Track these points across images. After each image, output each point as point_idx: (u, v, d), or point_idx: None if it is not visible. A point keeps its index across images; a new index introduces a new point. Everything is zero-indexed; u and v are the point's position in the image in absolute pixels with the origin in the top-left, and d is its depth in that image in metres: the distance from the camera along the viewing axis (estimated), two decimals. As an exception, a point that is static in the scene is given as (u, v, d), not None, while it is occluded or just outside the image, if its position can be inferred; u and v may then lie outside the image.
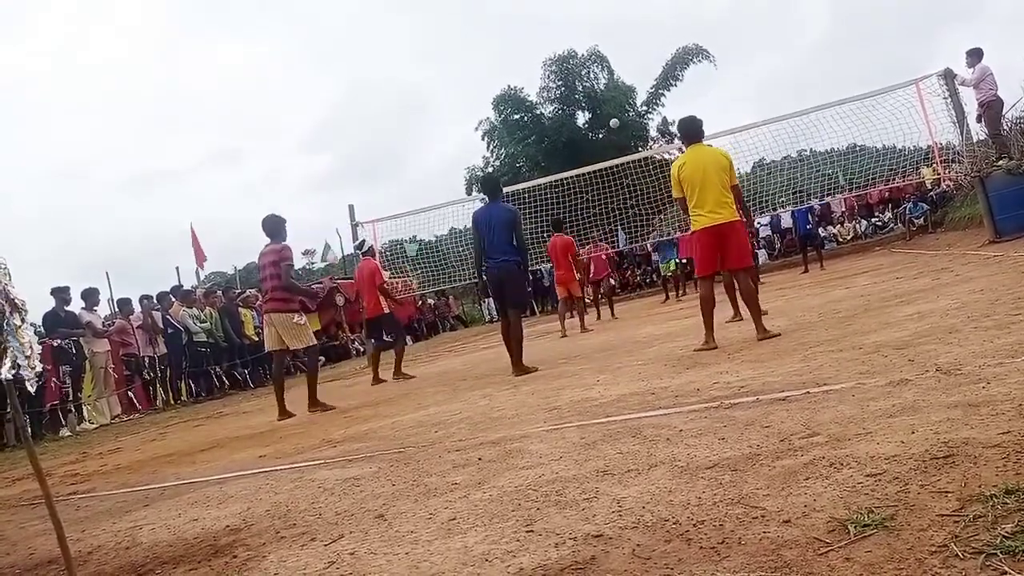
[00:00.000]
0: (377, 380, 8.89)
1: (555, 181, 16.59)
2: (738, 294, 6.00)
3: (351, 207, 15.02)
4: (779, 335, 5.36)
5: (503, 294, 6.88)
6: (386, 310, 8.97)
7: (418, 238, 18.51)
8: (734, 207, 5.65)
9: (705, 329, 5.67)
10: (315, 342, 7.09)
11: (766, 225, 19.58)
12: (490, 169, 29.48)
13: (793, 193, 16.34)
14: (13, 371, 2.10)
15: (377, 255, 9.84)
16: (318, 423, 5.96)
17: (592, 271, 13.91)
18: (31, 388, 2.14)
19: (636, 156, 18.14)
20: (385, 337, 9.30)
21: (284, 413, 6.80)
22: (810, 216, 16.23)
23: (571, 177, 16.28)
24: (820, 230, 23.13)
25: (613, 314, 13.74)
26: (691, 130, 5.91)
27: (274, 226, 6.85)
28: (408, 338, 20.15)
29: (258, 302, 15.83)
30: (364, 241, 9.95)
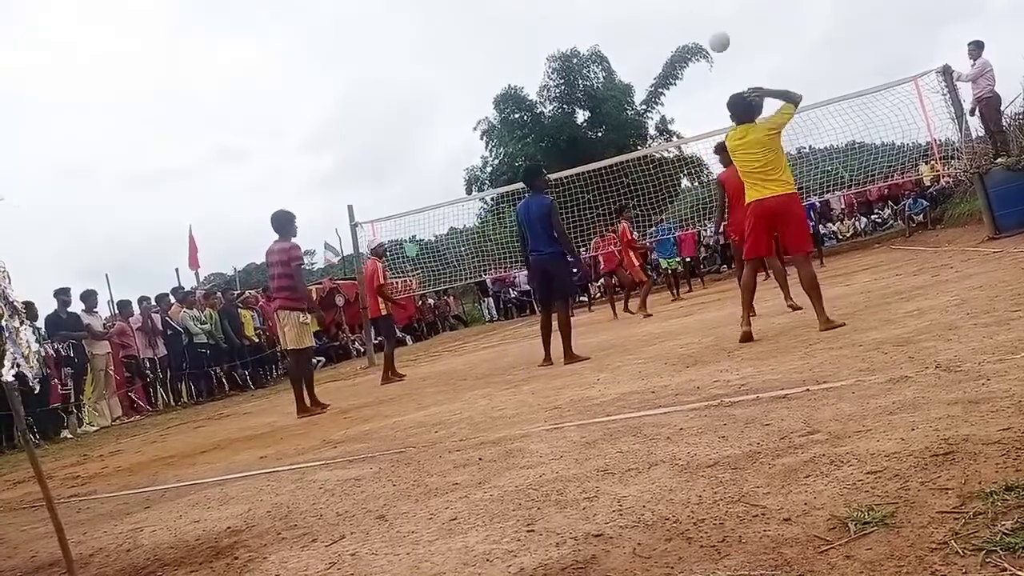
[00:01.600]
0: (396, 376, 8.98)
1: (554, 180, 16.56)
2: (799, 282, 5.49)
3: (350, 207, 14.98)
4: (843, 324, 4.97)
5: (548, 285, 6.92)
6: (383, 312, 9.00)
7: (418, 238, 18.48)
8: (790, 181, 5.34)
9: (742, 313, 5.45)
10: (312, 344, 7.12)
11: None
12: (488, 169, 29.44)
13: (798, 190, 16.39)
14: (14, 371, 2.10)
15: (382, 254, 9.82)
16: (318, 424, 5.97)
17: (603, 264, 13.68)
18: (34, 386, 2.14)
19: (636, 154, 18.12)
20: (375, 339, 9.36)
21: (304, 410, 6.84)
22: (812, 214, 16.21)
23: (571, 176, 16.26)
24: (819, 227, 23.18)
25: (627, 308, 13.34)
26: (743, 109, 5.59)
27: (282, 222, 6.86)
28: (408, 337, 20.20)
29: (259, 302, 15.88)
30: (381, 244, 9.94)
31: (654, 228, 16.67)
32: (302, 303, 6.84)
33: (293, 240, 6.90)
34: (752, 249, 5.52)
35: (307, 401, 6.90)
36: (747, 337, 5.25)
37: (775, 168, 5.39)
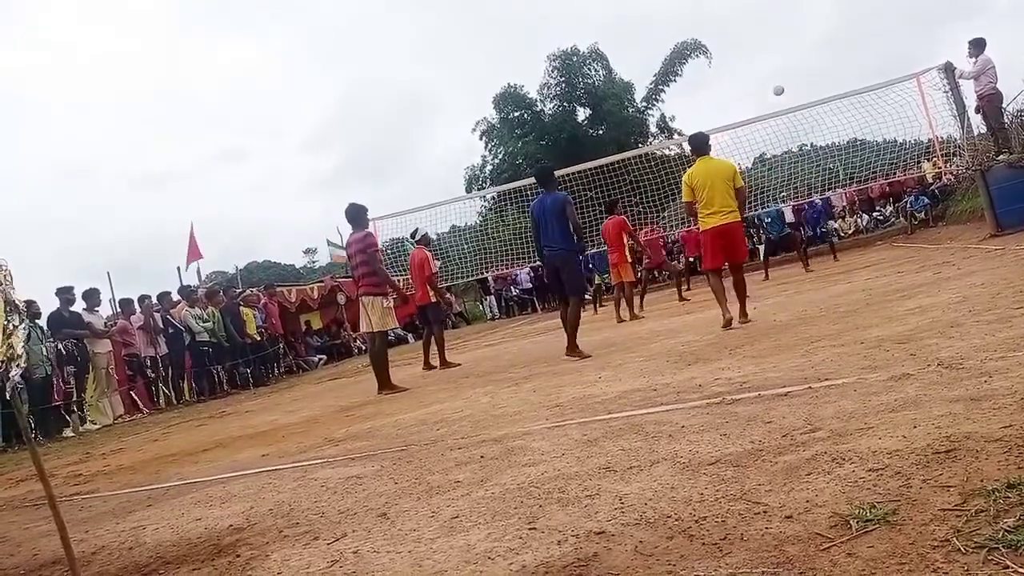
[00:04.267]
0: (428, 366, 8.99)
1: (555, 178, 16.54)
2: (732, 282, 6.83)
3: (345, 209, 15.00)
4: (751, 321, 6.33)
5: (560, 281, 7.05)
6: (434, 299, 9.12)
7: (419, 235, 18.56)
8: (737, 211, 6.55)
9: (720, 307, 6.47)
10: (396, 325, 7.67)
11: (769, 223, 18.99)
12: (488, 168, 29.43)
13: (794, 188, 16.33)
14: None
15: (428, 242, 9.79)
16: (320, 422, 5.97)
17: (650, 256, 13.29)
18: (18, 387, 2.16)
19: (636, 152, 18.12)
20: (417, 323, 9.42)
21: (389, 387, 7.08)
22: (822, 208, 15.60)
23: (572, 173, 16.27)
24: (819, 226, 23.05)
25: (680, 296, 13.04)
26: (698, 144, 6.91)
27: (355, 214, 7.35)
28: (409, 335, 20.21)
29: (261, 301, 15.88)
30: (417, 230, 9.92)
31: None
32: (384, 288, 7.25)
33: (367, 230, 7.43)
34: (713, 263, 6.76)
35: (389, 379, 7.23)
36: (728, 324, 6.30)
37: (732, 199, 6.54)
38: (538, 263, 7.68)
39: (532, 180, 16.85)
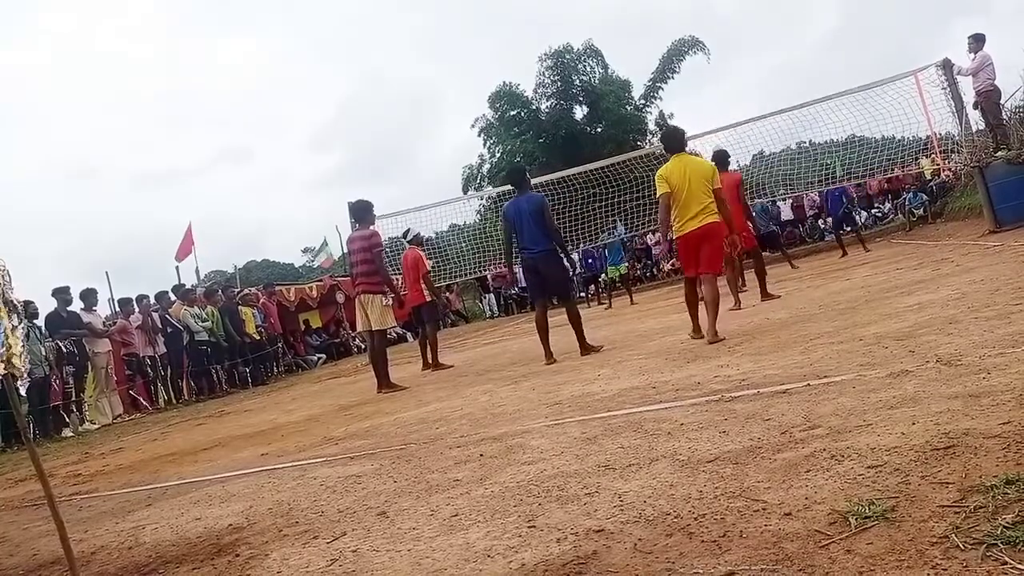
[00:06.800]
0: (427, 366, 8.98)
1: (555, 179, 16.55)
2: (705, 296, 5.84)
3: (350, 204, 14.98)
4: (723, 339, 5.35)
5: (542, 284, 6.96)
6: (428, 298, 9.11)
7: (412, 233, 18.59)
8: (716, 214, 5.69)
9: (691, 321, 5.97)
10: (394, 323, 7.56)
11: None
12: (487, 167, 29.37)
13: (787, 186, 16.32)
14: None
15: (422, 242, 9.73)
16: (319, 421, 5.97)
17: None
18: (24, 382, 2.16)
19: (635, 153, 18.11)
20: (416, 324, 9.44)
21: (388, 386, 7.07)
22: (844, 198, 15.40)
23: (571, 175, 16.30)
24: (823, 220, 23.05)
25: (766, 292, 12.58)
26: (673, 140, 6.14)
27: (360, 211, 7.37)
28: (408, 334, 20.21)
29: (260, 300, 15.88)
30: (409, 230, 9.91)
31: (605, 233, 16.34)
32: (383, 287, 7.19)
33: (372, 228, 7.36)
34: (688, 269, 6.00)
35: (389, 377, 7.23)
36: (699, 333, 5.76)
37: (709, 200, 5.72)
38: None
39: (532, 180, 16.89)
